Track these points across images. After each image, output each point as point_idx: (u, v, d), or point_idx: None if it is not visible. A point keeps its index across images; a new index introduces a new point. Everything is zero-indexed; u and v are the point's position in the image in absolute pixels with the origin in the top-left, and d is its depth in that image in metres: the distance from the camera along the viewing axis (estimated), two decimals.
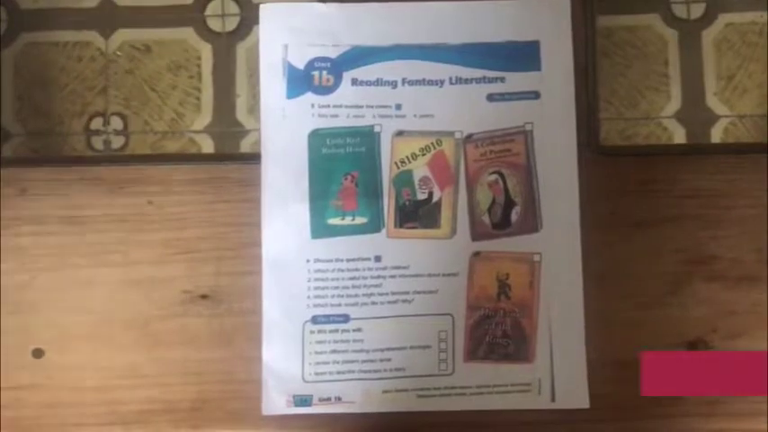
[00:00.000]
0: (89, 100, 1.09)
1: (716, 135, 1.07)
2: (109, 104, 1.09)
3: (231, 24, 1.10)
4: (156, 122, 1.09)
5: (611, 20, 1.08)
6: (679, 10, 1.09)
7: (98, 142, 1.09)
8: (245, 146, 1.08)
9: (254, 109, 1.08)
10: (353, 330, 1.03)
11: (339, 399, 1.02)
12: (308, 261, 1.03)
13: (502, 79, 1.04)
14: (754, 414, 1.02)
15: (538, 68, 1.04)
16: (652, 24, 1.09)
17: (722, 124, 1.07)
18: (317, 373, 1.02)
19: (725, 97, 1.08)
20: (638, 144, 1.07)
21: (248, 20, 1.10)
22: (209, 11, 1.11)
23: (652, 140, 1.07)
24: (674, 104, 1.08)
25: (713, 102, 1.08)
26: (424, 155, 1.04)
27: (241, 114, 1.09)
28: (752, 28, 1.09)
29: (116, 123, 1.09)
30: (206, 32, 1.10)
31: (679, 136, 1.07)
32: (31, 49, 1.10)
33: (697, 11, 1.09)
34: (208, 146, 1.09)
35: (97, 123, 1.09)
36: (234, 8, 1.10)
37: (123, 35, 1.10)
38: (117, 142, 1.09)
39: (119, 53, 1.10)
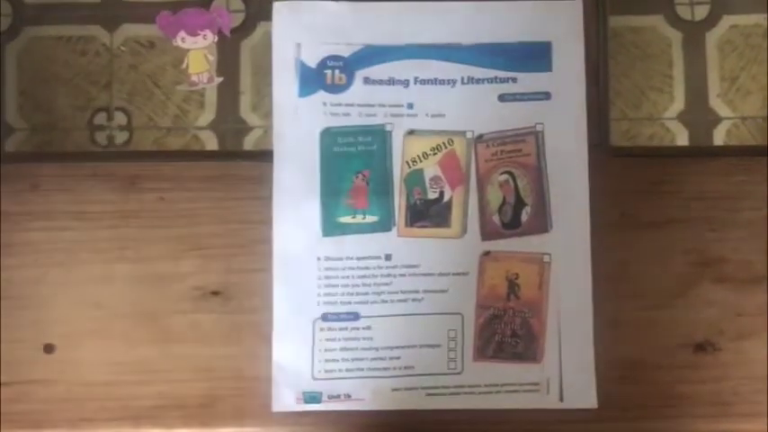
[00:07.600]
0: (93, 95, 1.09)
1: (718, 137, 1.08)
2: (113, 100, 1.09)
3: (236, 21, 1.10)
4: (159, 118, 1.09)
5: (615, 21, 1.09)
6: (683, 11, 1.10)
7: (102, 137, 1.08)
8: (249, 143, 1.08)
9: (257, 106, 1.08)
10: (363, 328, 1.03)
11: (348, 396, 1.02)
12: (318, 259, 1.03)
13: (513, 80, 1.05)
14: (757, 415, 1.03)
15: (549, 69, 1.05)
16: (656, 25, 1.10)
17: (725, 126, 1.08)
18: (326, 371, 1.02)
19: (728, 99, 1.09)
20: (647, 145, 1.08)
21: (253, 16, 1.09)
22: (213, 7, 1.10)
23: (655, 141, 1.08)
24: (678, 105, 1.09)
25: (716, 103, 1.09)
26: (435, 154, 1.04)
27: (245, 111, 1.09)
28: (756, 30, 1.10)
29: (120, 119, 1.08)
30: None
31: (682, 137, 1.08)
32: (34, 44, 1.09)
33: (701, 12, 1.10)
34: (212, 143, 1.09)
35: (101, 119, 1.09)
36: (239, 4, 1.10)
37: (127, 30, 1.10)
38: (121, 138, 1.08)
39: (123, 48, 1.10)
